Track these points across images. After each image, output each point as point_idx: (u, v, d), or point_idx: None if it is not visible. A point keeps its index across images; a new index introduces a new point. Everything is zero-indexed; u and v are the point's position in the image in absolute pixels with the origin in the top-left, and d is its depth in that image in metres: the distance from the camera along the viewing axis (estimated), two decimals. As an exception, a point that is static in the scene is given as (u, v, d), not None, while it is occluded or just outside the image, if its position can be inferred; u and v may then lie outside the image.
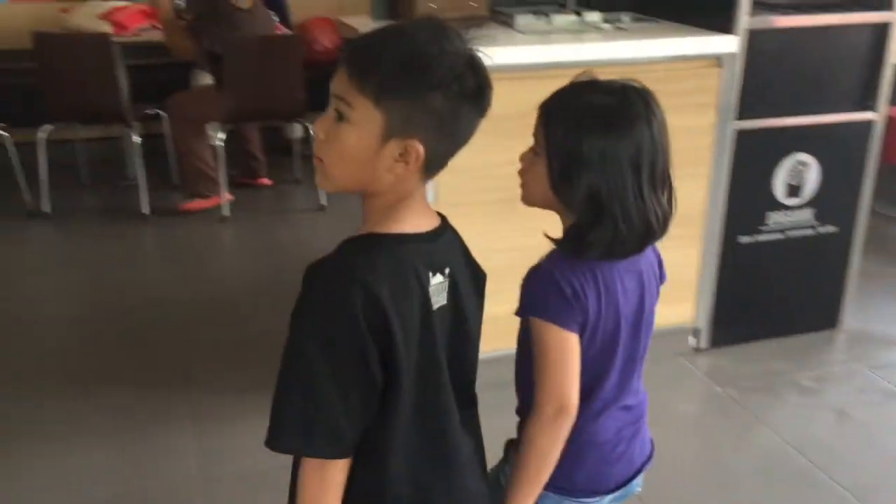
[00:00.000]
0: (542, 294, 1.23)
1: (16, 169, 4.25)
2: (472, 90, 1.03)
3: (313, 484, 1.06)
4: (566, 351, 1.22)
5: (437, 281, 1.10)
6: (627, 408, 1.35)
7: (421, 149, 1.03)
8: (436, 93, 1.00)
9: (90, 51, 4.10)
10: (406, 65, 1.00)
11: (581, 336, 1.24)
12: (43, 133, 4.21)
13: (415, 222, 1.09)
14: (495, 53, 1.10)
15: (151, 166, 4.47)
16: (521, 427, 1.31)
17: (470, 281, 1.17)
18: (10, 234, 4.14)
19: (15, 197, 4.31)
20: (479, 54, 1.05)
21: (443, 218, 1.16)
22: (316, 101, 4.52)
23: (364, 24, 4.64)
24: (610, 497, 1.36)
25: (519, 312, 1.28)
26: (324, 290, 1.02)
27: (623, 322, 1.28)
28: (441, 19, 1.06)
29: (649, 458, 1.42)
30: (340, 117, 1.03)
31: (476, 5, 2.27)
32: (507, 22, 2.79)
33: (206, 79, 4.86)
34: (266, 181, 4.80)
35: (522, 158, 1.29)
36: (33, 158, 4.23)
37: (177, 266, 3.82)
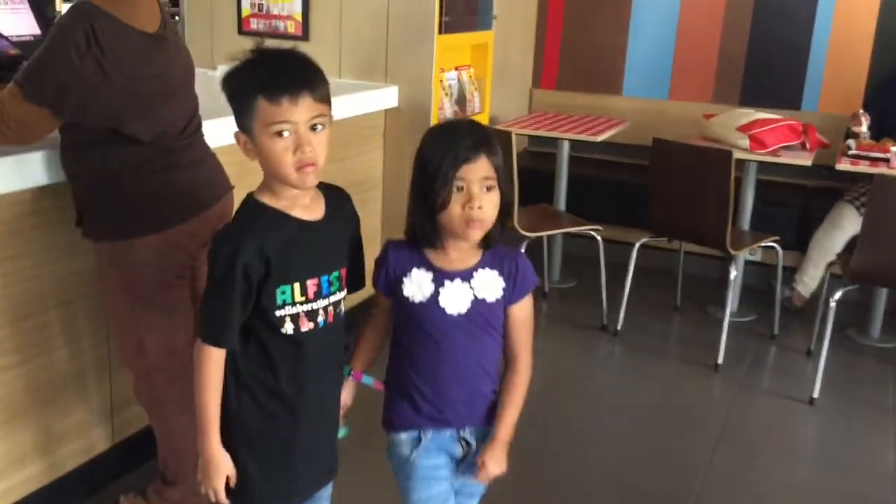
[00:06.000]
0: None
1: (602, 269, 3.97)
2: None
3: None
4: None
5: None
6: None
7: None
8: None
9: (708, 168, 3.57)
10: None
11: None
12: (638, 241, 3.85)
13: None
14: None
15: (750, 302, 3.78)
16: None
17: None
18: (581, 342, 3.88)
19: (595, 296, 4.05)
20: None
21: None
22: None
23: None
24: None
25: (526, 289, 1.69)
26: None
27: None
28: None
29: None
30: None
31: None
32: None
33: (851, 217, 3.92)
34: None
35: (482, 205, 1.54)
36: (622, 257, 3.93)
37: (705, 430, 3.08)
